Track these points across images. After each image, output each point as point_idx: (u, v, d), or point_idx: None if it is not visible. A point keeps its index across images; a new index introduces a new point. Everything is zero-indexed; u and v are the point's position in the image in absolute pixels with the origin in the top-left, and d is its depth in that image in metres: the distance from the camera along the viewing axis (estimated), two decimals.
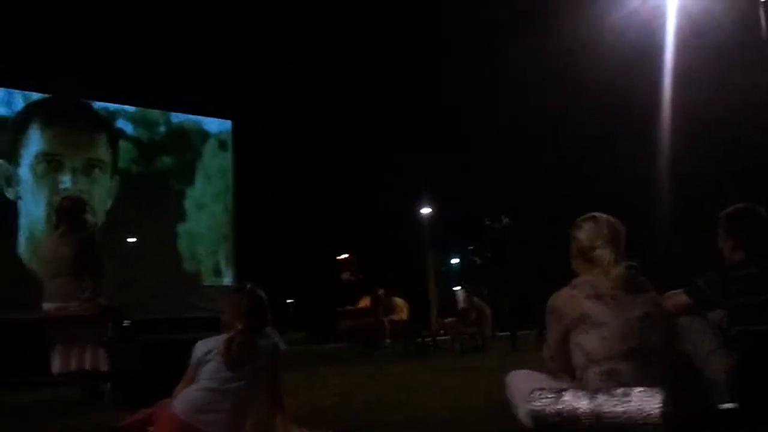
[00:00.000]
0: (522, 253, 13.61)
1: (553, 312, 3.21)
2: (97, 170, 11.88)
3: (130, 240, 11.94)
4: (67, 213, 6.46)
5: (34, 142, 11.33)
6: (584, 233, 3.26)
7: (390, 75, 13.80)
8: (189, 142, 13.19)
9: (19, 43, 10.51)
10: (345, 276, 13.03)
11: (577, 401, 3.05)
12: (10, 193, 10.98)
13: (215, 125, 13.52)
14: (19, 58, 10.55)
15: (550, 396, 3.12)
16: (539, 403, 3.13)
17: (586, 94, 12.85)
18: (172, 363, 5.60)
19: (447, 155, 14.22)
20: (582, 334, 3.11)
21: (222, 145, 13.52)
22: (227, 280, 13.22)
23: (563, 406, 3.07)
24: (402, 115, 13.89)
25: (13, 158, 11.14)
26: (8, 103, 11.24)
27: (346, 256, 13.31)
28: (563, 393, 3.10)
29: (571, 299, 3.15)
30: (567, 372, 3.25)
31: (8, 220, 10.89)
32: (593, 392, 3.01)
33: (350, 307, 12.65)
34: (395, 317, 12.39)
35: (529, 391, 3.21)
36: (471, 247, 14.74)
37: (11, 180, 11.00)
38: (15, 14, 10.36)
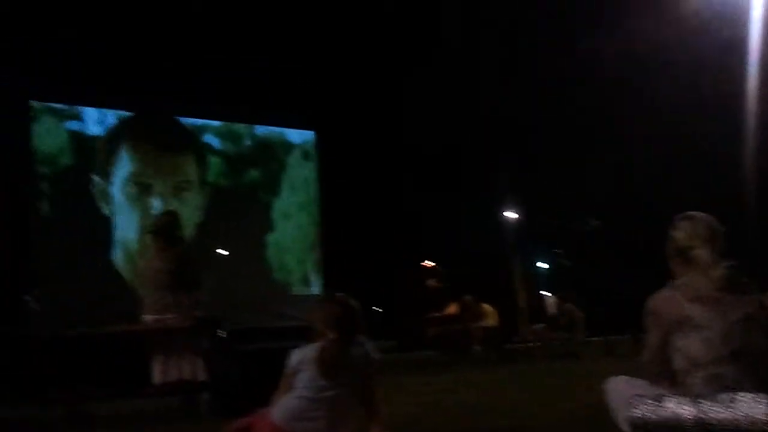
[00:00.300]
0: (613, 256, 13.27)
1: (653, 314, 3.12)
2: (185, 191, 12.26)
3: (220, 252, 12.24)
4: (163, 229, 6.70)
5: (125, 163, 11.78)
6: (682, 233, 3.16)
7: (471, 78, 13.71)
8: (274, 154, 13.45)
9: (107, 64, 10.92)
10: (431, 283, 12.98)
11: (679, 408, 2.95)
12: (105, 209, 11.45)
13: (298, 136, 13.75)
14: (108, 78, 10.98)
15: (651, 402, 3.03)
16: (640, 410, 3.04)
17: (672, 91, 12.46)
18: (266, 372, 5.71)
19: (532, 158, 14.02)
20: (683, 337, 3.01)
21: (306, 155, 13.74)
22: (315, 289, 13.40)
23: (665, 412, 2.98)
24: (484, 119, 13.78)
25: (106, 177, 11.60)
26: (101, 122, 11.70)
27: (431, 263, 13.27)
28: (665, 399, 3.01)
29: (671, 301, 3.05)
30: (667, 377, 3.15)
31: (105, 234, 11.35)
32: (696, 398, 2.90)
33: (437, 315, 12.59)
34: (484, 324, 12.25)
35: (629, 397, 3.12)
36: (559, 251, 14.48)
37: (106, 196, 11.47)
38: (102, 36, 10.78)
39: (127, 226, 11.43)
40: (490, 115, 13.82)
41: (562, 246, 14.41)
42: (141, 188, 11.70)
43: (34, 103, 11.10)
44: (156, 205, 11.68)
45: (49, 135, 11.12)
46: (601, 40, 12.08)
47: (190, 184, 12.27)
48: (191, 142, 12.58)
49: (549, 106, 13.17)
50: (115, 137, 11.75)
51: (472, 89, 13.66)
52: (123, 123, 11.89)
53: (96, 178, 11.37)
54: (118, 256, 11.40)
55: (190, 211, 12.12)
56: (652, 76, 12.33)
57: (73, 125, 11.44)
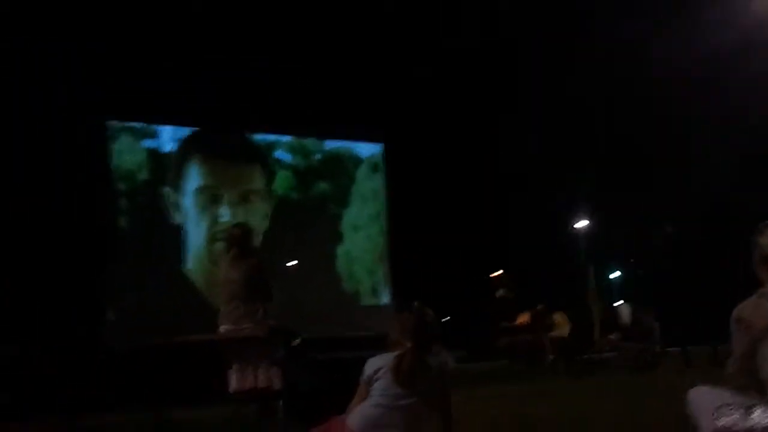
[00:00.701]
0: (690, 265, 12.92)
1: (740, 323, 3.03)
2: (252, 201, 12.50)
3: (290, 263, 12.42)
4: (237, 240, 6.85)
5: (194, 175, 12.09)
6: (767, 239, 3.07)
7: (539, 85, 13.59)
8: (343, 167, 13.60)
9: (178, 82, 11.21)
10: (500, 293, 12.89)
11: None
12: (176, 218, 11.77)
13: (367, 149, 13.86)
14: (180, 96, 11.27)
15: (737, 413, 2.94)
16: (726, 421, 2.95)
17: (751, 92, 12.08)
18: (339, 380, 5.79)
19: (603, 166, 13.78)
20: None
21: (374, 168, 13.83)
22: (385, 299, 13.45)
23: (753, 423, 2.88)
24: (554, 128, 13.63)
25: (177, 188, 11.93)
26: (175, 139, 12.05)
27: (500, 272, 13.17)
28: (752, 409, 2.91)
29: (759, 309, 2.96)
30: (754, 387, 3.05)
31: (177, 245, 11.66)
32: None
33: (507, 324, 12.47)
34: (556, 333, 12.07)
35: (715, 407, 3.03)
36: (632, 260, 14.20)
37: (177, 207, 11.79)
38: (172, 54, 11.04)
39: (197, 235, 11.73)
40: (563, 123, 13.66)
41: (636, 255, 14.14)
42: (210, 198, 11.99)
43: (112, 122, 11.49)
44: (224, 213, 11.93)
45: (126, 153, 11.50)
46: (671, 41, 11.84)
47: (257, 193, 12.52)
48: (257, 154, 12.83)
49: (624, 111, 12.94)
50: (185, 152, 12.08)
51: (545, 97, 13.54)
52: (194, 137, 12.20)
53: (167, 190, 11.70)
54: (190, 266, 11.68)
55: (257, 221, 12.35)
56: (730, 77, 11.96)
57: (148, 143, 11.81)
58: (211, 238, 11.50)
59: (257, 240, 12.16)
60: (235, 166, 12.58)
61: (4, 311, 8.84)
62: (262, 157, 12.82)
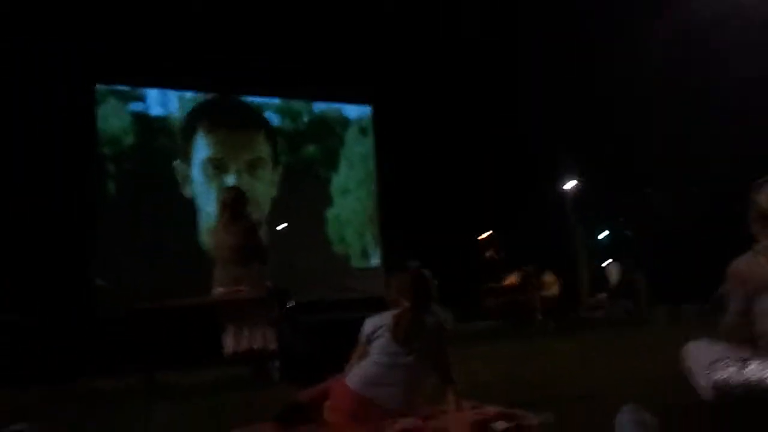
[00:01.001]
0: (678, 224, 13.00)
1: (736, 279, 3.07)
2: (259, 168, 12.48)
3: (280, 227, 12.43)
4: (228, 205, 6.84)
5: (201, 146, 12.06)
6: (765, 196, 3.09)
7: (533, 46, 13.47)
8: (331, 130, 13.54)
9: (167, 42, 11.03)
10: (488, 254, 12.95)
11: (764, 371, 2.92)
12: (187, 191, 11.76)
13: (355, 112, 13.80)
14: (168, 58, 11.12)
15: (733, 366, 3.00)
16: (722, 374, 3.01)
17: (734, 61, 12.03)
18: (334, 341, 5.84)
19: (591, 123, 13.72)
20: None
21: (363, 131, 13.79)
22: (375, 261, 13.50)
23: (749, 375, 2.94)
24: (545, 86, 13.51)
25: (186, 160, 11.89)
26: (163, 104, 11.93)
27: (488, 234, 13.22)
28: (748, 362, 2.97)
29: (754, 265, 3.00)
30: (749, 341, 3.11)
31: (189, 216, 11.65)
32: None
33: (496, 285, 12.57)
34: (546, 293, 12.19)
35: (710, 361, 3.09)
36: (621, 219, 14.31)
37: (187, 179, 11.78)
38: (157, 19, 10.85)
39: (207, 206, 11.73)
40: (551, 83, 13.58)
41: (625, 215, 14.25)
42: (217, 168, 12.00)
43: (99, 87, 11.35)
44: (231, 181, 11.94)
45: (112, 117, 11.39)
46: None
47: (263, 161, 12.49)
48: (260, 122, 12.76)
49: (614, 72, 12.87)
50: (190, 123, 12.03)
51: (534, 59, 13.44)
52: (196, 109, 12.13)
53: (177, 163, 11.68)
54: (202, 235, 11.67)
55: (265, 186, 12.36)
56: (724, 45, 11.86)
57: (136, 106, 11.70)
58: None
59: (265, 207, 12.24)
60: (240, 133, 12.53)
61: None
62: (265, 122, 12.75)
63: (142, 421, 4.33)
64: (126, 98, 11.59)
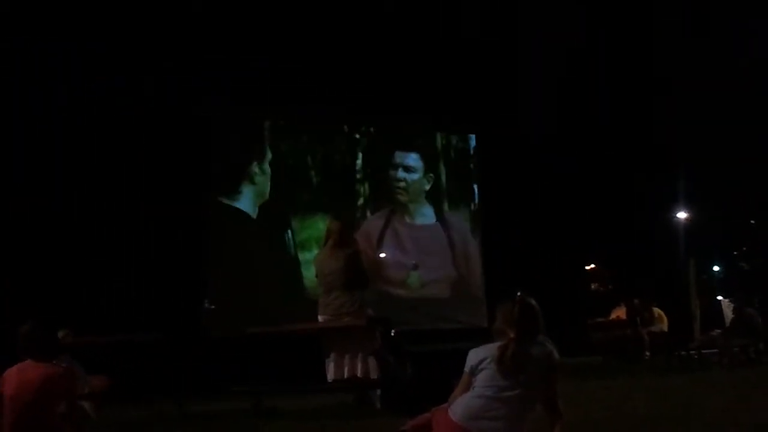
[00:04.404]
0: None
1: None
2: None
3: (382, 255, 12.52)
4: (334, 231, 6.98)
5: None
6: None
7: (638, 66, 13.17)
8: (438, 159, 13.59)
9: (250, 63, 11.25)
10: (595, 286, 12.65)
11: None
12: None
13: (460, 140, 13.81)
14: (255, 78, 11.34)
15: None
16: None
17: None
18: (437, 371, 5.82)
19: (704, 154, 13.22)
20: None
21: (470, 160, 13.77)
22: (479, 292, 13.35)
23: None
24: (658, 113, 13.11)
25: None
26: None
27: (595, 265, 12.92)
28: None
29: None
30: None
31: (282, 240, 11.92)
32: None
33: (602, 319, 12.21)
34: (654, 328, 11.72)
35: None
36: (735, 253, 13.66)
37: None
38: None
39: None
40: (666, 108, 13.18)
41: (740, 247, 13.62)
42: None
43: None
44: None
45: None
46: None
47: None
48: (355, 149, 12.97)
49: (727, 93, 12.39)
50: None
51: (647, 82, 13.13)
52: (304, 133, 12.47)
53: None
54: (293, 261, 11.91)
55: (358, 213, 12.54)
56: None
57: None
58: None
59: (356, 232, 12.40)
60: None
61: (109, 302, 9.26)
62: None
63: None
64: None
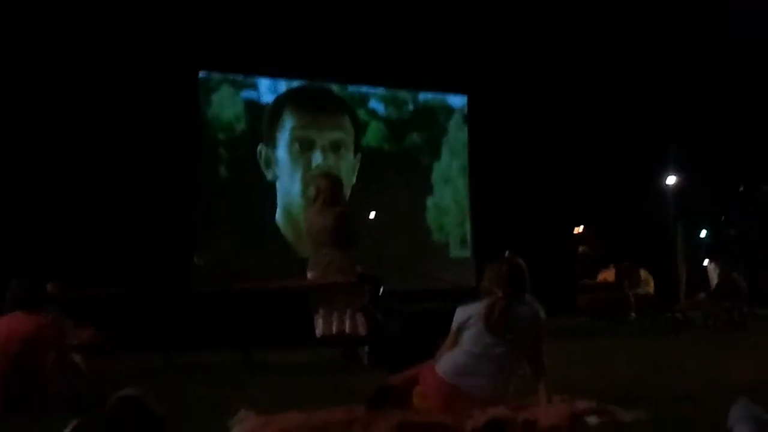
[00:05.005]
0: None
1: None
2: (342, 149, 12.57)
3: (377, 214, 12.51)
4: (323, 189, 6.98)
5: (288, 126, 12.25)
6: None
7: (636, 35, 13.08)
8: (435, 119, 13.54)
9: (277, 33, 11.20)
10: (582, 249, 12.68)
11: None
12: (269, 174, 11.96)
13: (458, 101, 13.75)
14: (279, 47, 11.29)
15: None
16: None
17: None
18: (424, 329, 5.88)
19: (694, 118, 13.19)
20: None
21: (465, 119, 13.74)
22: (467, 253, 13.43)
23: None
24: (648, 74, 13.04)
25: (271, 142, 12.11)
26: (273, 91, 12.21)
27: (582, 228, 12.95)
28: None
29: None
30: None
31: (271, 200, 11.89)
32: None
33: (589, 281, 12.29)
34: (641, 291, 11.83)
35: None
36: (723, 218, 13.72)
37: (270, 162, 11.98)
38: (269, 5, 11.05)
39: (291, 185, 11.93)
40: (655, 72, 13.12)
41: (728, 213, 13.67)
42: (304, 146, 12.15)
43: (212, 74, 11.67)
44: (317, 158, 12.08)
45: (226, 104, 11.71)
46: None
47: (346, 143, 12.59)
48: (345, 107, 12.86)
49: (720, 58, 12.34)
50: (279, 105, 12.24)
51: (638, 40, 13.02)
52: (289, 91, 12.34)
53: (261, 146, 11.91)
54: (279, 218, 11.90)
55: (346, 169, 12.46)
56: None
57: (248, 94, 11.99)
58: (306, 183, 11.68)
59: (346, 192, 12.35)
60: (326, 115, 12.67)
61: (101, 255, 9.25)
62: (349, 108, 12.85)
63: (238, 394, 4.48)
64: (239, 86, 11.91)
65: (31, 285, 4.47)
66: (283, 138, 12.13)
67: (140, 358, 6.93)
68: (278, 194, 11.91)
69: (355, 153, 12.66)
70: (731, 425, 2.64)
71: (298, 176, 11.95)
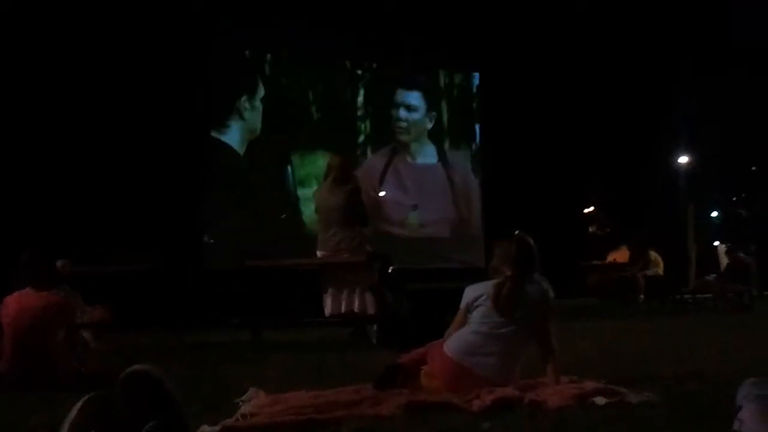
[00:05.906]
0: None
1: None
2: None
3: (382, 193, 12.52)
4: (334, 167, 6.96)
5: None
6: None
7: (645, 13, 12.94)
8: (441, 97, 13.48)
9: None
10: (592, 229, 12.65)
11: None
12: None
13: (462, 78, 13.68)
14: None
15: None
16: None
17: None
18: (433, 308, 5.89)
19: (706, 98, 13.08)
20: None
21: (471, 97, 13.67)
22: (476, 232, 13.40)
23: None
24: (658, 54, 12.92)
25: None
26: None
27: (593, 208, 12.90)
28: None
29: None
30: None
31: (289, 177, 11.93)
32: None
33: (598, 262, 12.27)
34: (650, 272, 11.80)
35: None
36: (735, 199, 13.65)
37: None
38: None
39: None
40: (666, 50, 12.98)
41: (739, 194, 13.61)
42: None
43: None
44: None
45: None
46: None
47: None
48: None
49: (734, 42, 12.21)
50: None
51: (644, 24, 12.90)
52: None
53: None
54: (293, 197, 11.92)
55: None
56: None
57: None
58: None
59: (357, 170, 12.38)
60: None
61: (112, 233, 9.28)
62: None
63: (248, 373, 4.50)
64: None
65: (42, 261, 4.49)
66: None
67: (150, 335, 6.97)
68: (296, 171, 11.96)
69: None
70: (740, 404, 2.63)
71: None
